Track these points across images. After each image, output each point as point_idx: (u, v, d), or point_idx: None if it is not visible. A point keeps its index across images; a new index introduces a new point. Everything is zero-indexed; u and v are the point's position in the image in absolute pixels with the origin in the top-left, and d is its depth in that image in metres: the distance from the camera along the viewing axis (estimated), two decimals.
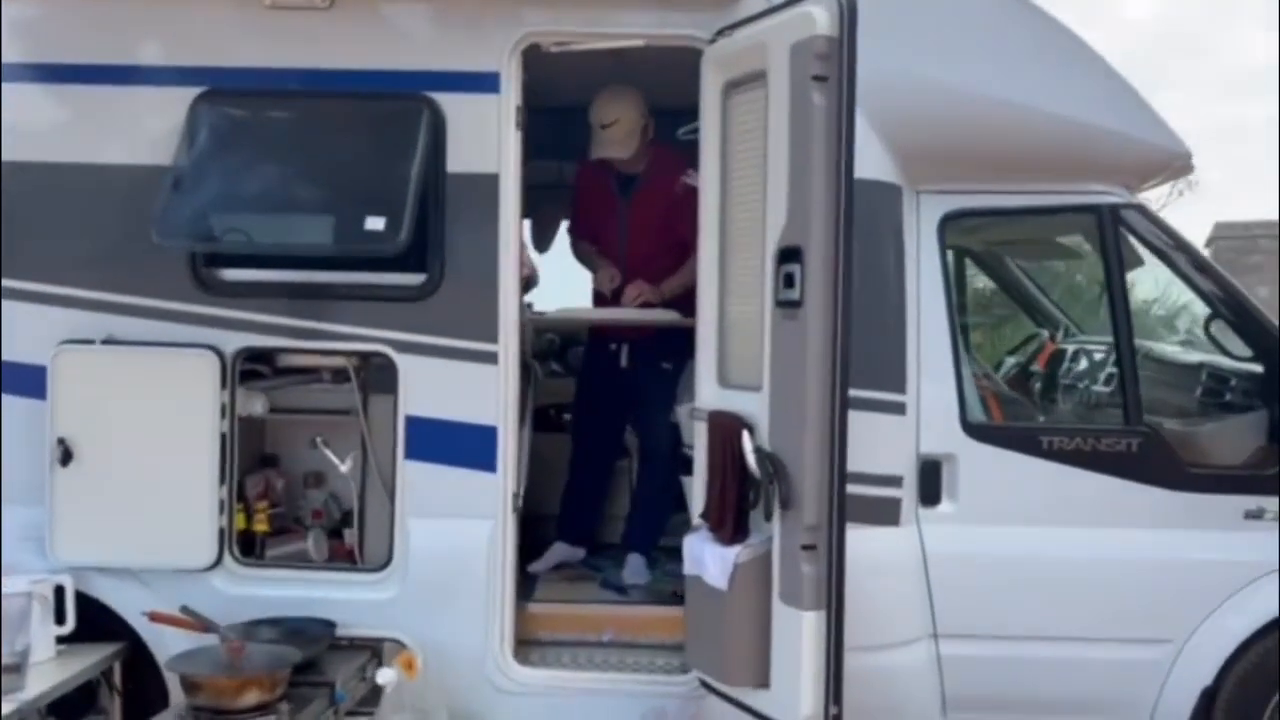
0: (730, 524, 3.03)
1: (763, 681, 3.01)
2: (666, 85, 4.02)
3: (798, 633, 2.87)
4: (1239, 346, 3.66)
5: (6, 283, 3.46)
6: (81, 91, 3.45)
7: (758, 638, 2.99)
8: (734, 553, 2.99)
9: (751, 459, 2.98)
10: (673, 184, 4.08)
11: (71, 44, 3.43)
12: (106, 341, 3.43)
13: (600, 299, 4.26)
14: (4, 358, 3.49)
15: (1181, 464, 3.50)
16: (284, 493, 3.81)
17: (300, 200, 3.34)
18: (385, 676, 3.10)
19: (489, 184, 3.42)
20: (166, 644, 3.44)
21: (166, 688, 3.46)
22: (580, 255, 4.52)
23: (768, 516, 2.92)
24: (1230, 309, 3.64)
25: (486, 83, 3.41)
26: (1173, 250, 3.66)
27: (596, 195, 4.30)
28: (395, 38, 3.42)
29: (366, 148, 3.38)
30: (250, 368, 3.58)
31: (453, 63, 3.40)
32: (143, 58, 3.43)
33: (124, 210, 3.45)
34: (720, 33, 3.28)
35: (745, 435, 3.01)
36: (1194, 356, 4.00)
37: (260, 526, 3.64)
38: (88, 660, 3.33)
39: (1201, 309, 3.84)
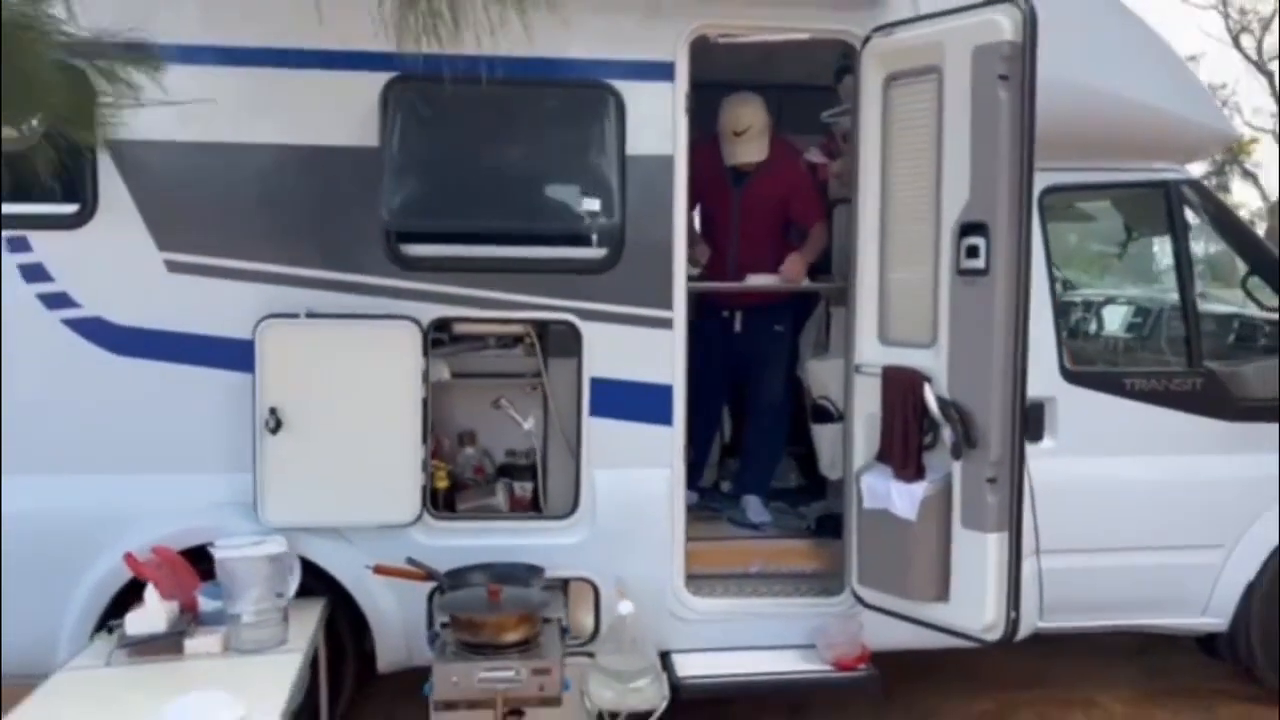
0: (914, 464, 3.51)
1: (942, 595, 3.53)
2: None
3: (983, 552, 3.40)
4: (1270, 299, 4.36)
5: (210, 260, 3.60)
6: (282, 75, 3.57)
7: (940, 559, 3.50)
8: (920, 488, 3.48)
9: (934, 407, 3.47)
10: (785, 172, 4.47)
11: (269, 28, 3.54)
12: (310, 315, 3.62)
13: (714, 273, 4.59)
14: (205, 332, 3.64)
15: (1233, 398, 4.18)
16: (449, 452, 4.08)
17: (519, 182, 3.59)
18: (626, 608, 3.47)
19: (664, 165, 3.74)
20: (374, 596, 3.72)
21: (369, 635, 3.77)
22: None
23: (957, 455, 3.42)
24: (1265, 268, 4.33)
25: (662, 71, 3.71)
26: (1220, 217, 4.33)
27: (710, 181, 4.50)
28: (580, 29, 3.67)
29: (562, 133, 3.65)
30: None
31: (632, 53, 3.69)
32: (336, 43, 3.57)
33: (322, 189, 3.64)
34: (877, 30, 3.69)
35: (927, 387, 3.49)
36: (1224, 308, 4.69)
37: (441, 483, 3.91)
38: (305, 614, 3.55)
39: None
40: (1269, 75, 20.21)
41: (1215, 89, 21.69)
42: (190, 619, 3.26)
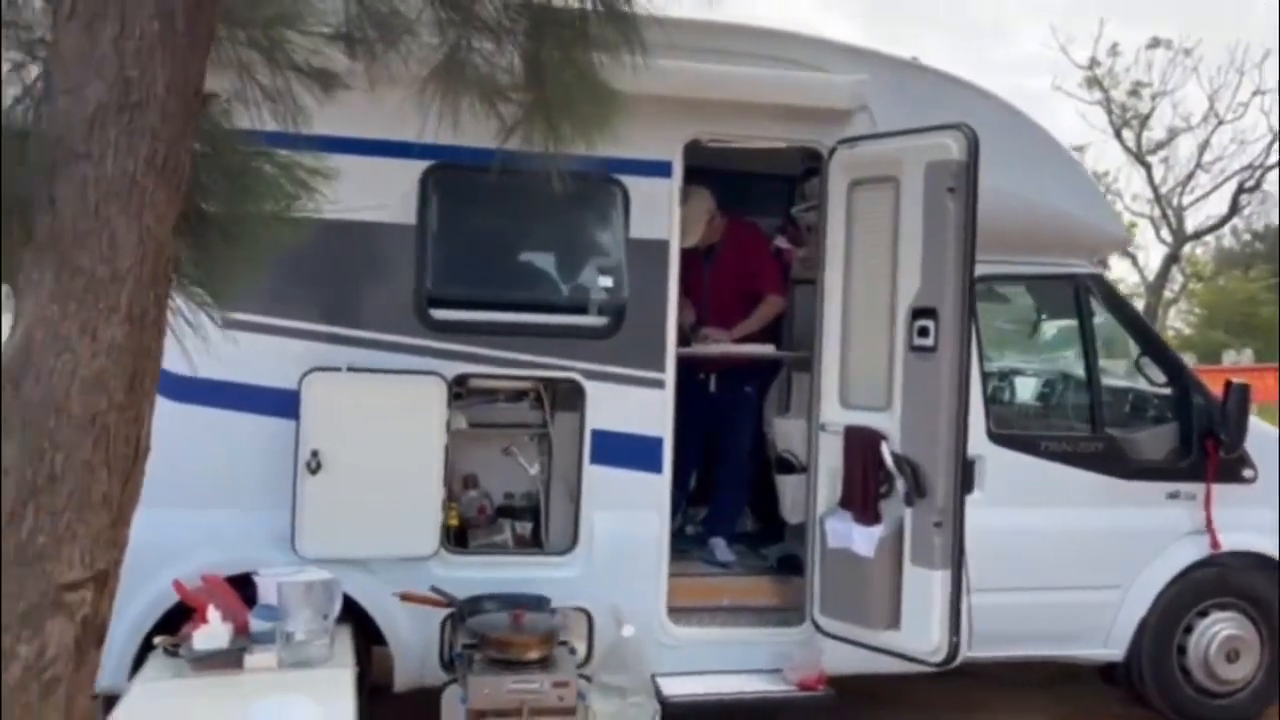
0: (872, 510, 4.14)
1: (894, 623, 4.13)
2: None
3: (929, 586, 4.02)
4: (1158, 376, 5.16)
5: (262, 319, 4.04)
6: (333, 159, 4.05)
7: (892, 592, 4.12)
8: (878, 530, 4.10)
9: (890, 461, 4.10)
10: (745, 248, 5.12)
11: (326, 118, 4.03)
12: (351, 369, 4.08)
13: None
14: (251, 382, 4.06)
15: (1129, 460, 4.92)
16: (455, 493, 4.55)
17: (540, 259, 4.14)
18: (629, 631, 3.97)
19: (661, 248, 4.35)
20: (395, 621, 4.15)
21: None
22: None
23: (909, 503, 4.05)
24: (1154, 350, 5.13)
25: (662, 169, 4.34)
26: (1118, 305, 5.12)
27: (686, 256, 4.88)
28: None
29: (581, 219, 4.24)
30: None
31: (638, 153, 4.28)
32: (382, 134, 4.09)
33: (363, 260, 4.13)
34: (842, 142, 4.38)
35: (883, 444, 4.12)
36: (1120, 383, 5.47)
37: (453, 521, 4.37)
38: (337, 637, 3.96)
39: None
40: (1147, 166, 22.13)
41: (1099, 176, 23.61)
42: (244, 638, 3.65)
